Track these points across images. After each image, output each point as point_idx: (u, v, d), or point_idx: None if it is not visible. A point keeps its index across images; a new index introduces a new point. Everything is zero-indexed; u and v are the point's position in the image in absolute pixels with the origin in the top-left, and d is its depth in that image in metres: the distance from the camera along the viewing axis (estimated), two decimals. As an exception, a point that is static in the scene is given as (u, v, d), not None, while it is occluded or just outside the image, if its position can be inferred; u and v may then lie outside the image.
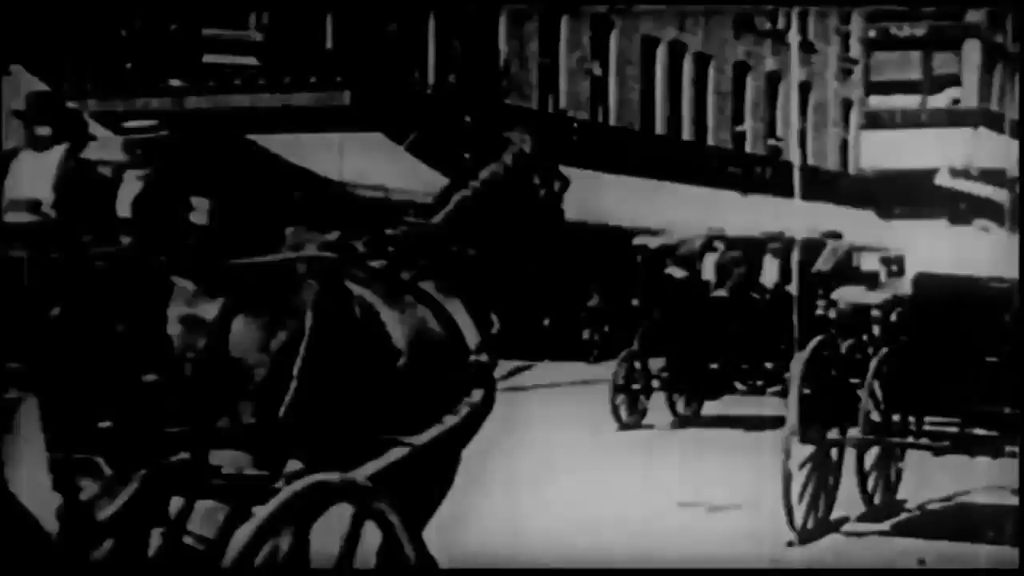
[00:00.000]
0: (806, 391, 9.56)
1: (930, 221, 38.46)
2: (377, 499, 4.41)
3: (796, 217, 31.62)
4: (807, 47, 37.33)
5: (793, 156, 35.30)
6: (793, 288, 16.94)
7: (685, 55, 33.56)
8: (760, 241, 18.13)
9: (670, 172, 31.38)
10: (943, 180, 38.00)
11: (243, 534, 4.10)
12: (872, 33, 42.03)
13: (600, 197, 28.25)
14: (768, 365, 16.22)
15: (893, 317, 10.35)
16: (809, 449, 9.62)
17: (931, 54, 42.82)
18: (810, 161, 36.72)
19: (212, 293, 4.63)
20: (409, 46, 26.50)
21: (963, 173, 39.81)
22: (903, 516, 10.23)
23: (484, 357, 5.71)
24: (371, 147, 23.88)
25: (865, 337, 11.56)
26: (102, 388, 4.12)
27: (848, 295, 23.83)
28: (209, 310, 4.54)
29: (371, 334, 5.13)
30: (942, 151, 40.65)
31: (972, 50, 42.94)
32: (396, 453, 5.16)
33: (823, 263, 17.85)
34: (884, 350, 9.98)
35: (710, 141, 34.13)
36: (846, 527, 9.86)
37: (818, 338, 10.20)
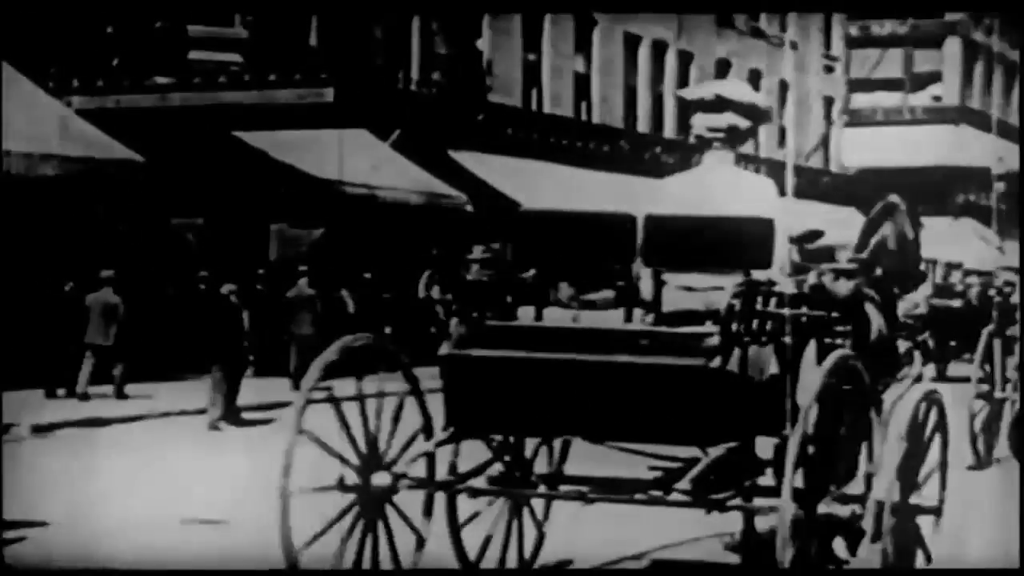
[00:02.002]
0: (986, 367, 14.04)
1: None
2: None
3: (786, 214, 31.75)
4: (788, 44, 37.50)
5: (788, 155, 35.50)
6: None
7: (667, 53, 33.75)
8: None
9: (651, 168, 31.57)
10: None
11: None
12: (854, 31, 42.24)
13: (582, 193, 28.39)
14: None
15: None
16: (981, 403, 13.93)
17: (912, 52, 43.04)
18: (788, 159, 36.90)
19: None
20: (393, 43, 26.63)
21: None
22: None
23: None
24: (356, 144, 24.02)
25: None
26: None
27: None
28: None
29: (862, 321, 8.18)
30: (923, 148, 40.88)
31: (953, 48, 43.17)
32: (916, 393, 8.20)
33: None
34: None
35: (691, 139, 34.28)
36: (1002, 460, 13.86)
37: (992, 324, 14.25)
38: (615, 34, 32.08)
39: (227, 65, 23.75)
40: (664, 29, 33.43)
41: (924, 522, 7.89)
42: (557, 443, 8.10)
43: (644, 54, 33.03)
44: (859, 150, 41.06)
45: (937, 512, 7.98)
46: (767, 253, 7.13)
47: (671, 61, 33.82)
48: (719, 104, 7.82)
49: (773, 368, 7.25)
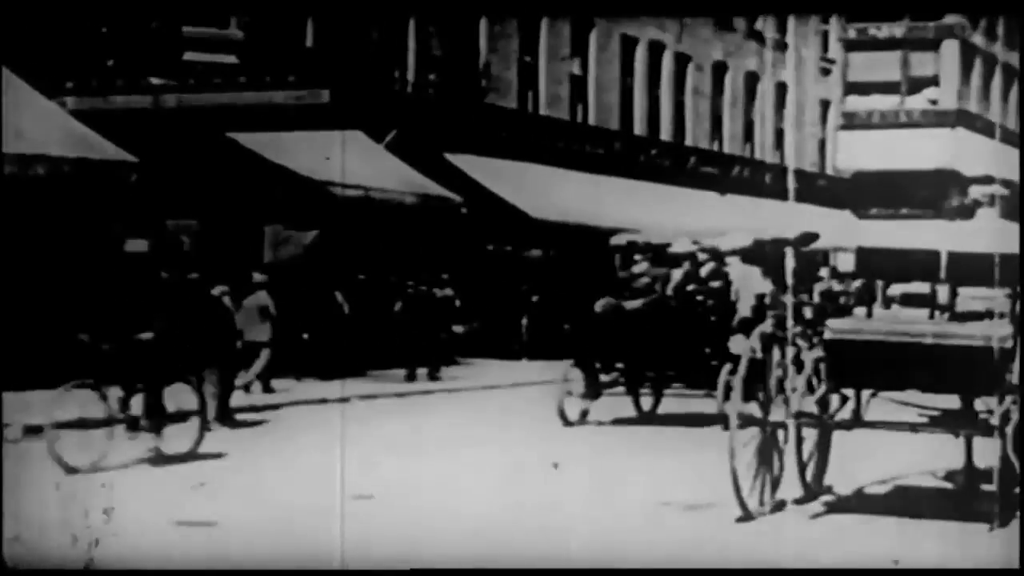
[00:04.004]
0: None
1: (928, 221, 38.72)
2: None
3: (782, 217, 31.74)
4: (784, 47, 37.48)
5: (789, 159, 35.44)
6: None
7: (664, 55, 33.70)
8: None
9: (648, 172, 31.53)
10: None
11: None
12: (851, 33, 42.19)
13: (578, 196, 28.36)
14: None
15: None
16: None
17: (909, 55, 42.99)
18: (788, 162, 36.88)
19: None
20: (389, 45, 26.59)
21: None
22: None
23: None
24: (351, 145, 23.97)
25: None
26: None
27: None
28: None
29: None
30: (919, 152, 40.82)
31: (950, 51, 43.10)
32: None
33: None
34: None
35: (688, 141, 34.26)
36: None
37: None
38: (612, 36, 32.03)
39: (222, 66, 23.71)
40: (661, 31, 33.36)
41: None
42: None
43: (641, 56, 32.98)
44: (855, 153, 40.99)
45: None
46: None
47: (668, 63, 33.76)
48: (987, 179, 12.14)
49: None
